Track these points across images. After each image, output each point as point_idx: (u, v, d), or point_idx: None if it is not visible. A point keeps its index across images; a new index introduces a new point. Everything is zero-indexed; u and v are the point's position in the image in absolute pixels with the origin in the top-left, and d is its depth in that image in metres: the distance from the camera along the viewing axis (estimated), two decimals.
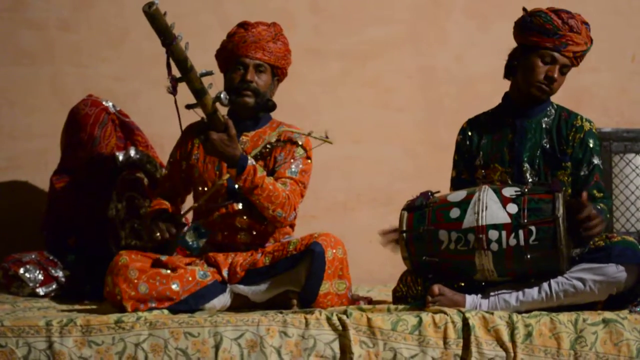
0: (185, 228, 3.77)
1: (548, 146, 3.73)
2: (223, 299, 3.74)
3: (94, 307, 3.88)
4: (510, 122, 3.79)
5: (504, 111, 3.82)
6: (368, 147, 5.34)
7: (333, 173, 5.16)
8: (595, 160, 3.71)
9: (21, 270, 4.38)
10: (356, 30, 5.37)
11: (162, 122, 4.80)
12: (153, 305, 3.59)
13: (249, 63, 3.85)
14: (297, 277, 3.68)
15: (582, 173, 3.69)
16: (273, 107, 3.90)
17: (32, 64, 5.11)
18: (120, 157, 4.50)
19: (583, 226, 3.46)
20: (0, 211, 5.04)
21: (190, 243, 3.74)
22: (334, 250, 3.65)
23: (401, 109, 5.37)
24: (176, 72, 3.48)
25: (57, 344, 3.30)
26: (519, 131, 3.77)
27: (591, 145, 3.71)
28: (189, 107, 3.56)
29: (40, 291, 4.37)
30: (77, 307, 3.91)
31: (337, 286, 3.66)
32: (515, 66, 3.76)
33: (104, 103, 4.58)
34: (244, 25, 3.91)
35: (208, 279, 3.72)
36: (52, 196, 4.59)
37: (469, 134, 3.87)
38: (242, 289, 3.73)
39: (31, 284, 4.36)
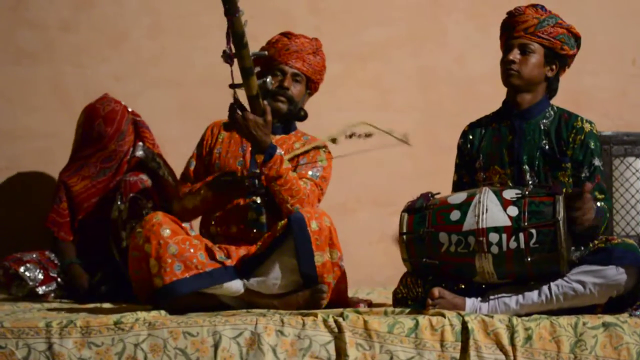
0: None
1: (547, 147, 3.74)
2: (238, 284, 3.70)
3: (93, 308, 3.89)
4: (509, 124, 3.81)
5: (504, 114, 3.84)
6: (368, 148, 5.33)
7: (333, 174, 5.15)
8: (596, 162, 3.71)
9: (21, 269, 4.39)
10: (356, 31, 5.38)
11: (161, 123, 4.82)
12: (178, 270, 3.57)
13: (288, 71, 3.95)
14: (288, 254, 3.67)
15: (583, 175, 3.70)
16: (305, 116, 4.00)
17: (32, 64, 5.12)
18: (132, 153, 4.52)
19: (575, 212, 3.46)
20: (1, 211, 5.04)
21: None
22: (319, 221, 3.66)
23: (401, 110, 5.37)
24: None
25: (56, 345, 3.30)
26: (518, 133, 3.78)
27: (592, 147, 3.72)
28: (232, 86, 3.62)
29: (40, 290, 4.38)
30: (76, 308, 3.91)
31: (331, 255, 3.68)
32: None
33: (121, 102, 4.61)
34: (287, 35, 4.01)
35: (228, 261, 3.71)
36: (62, 192, 4.58)
37: (470, 137, 3.89)
38: (250, 282, 3.72)
39: (31, 283, 4.37)
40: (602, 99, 5.45)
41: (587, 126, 3.75)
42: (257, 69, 3.63)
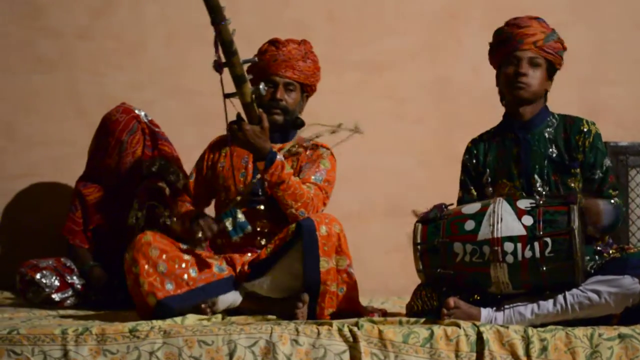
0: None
1: (555, 155, 3.73)
2: (235, 295, 3.76)
3: (109, 315, 3.90)
4: (513, 137, 3.80)
5: (506, 127, 3.83)
6: (383, 158, 5.34)
7: (348, 183, 5.15)
8: (607, 162, 3.74)
9: (38, 276, 4.40)
10: (372, 41, 5.38)
11: (177, 132, 4.83)
12: (170, 287, 3.61)
13: (279, 81, 3.93)
14: (297, 259, 3.68)
15: (596, 176, 3.70)
16: (301, 125, 3.98)
17: (50, 72, 5.14)
18: (147, 165, 4.53)
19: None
20: (18, 218, 5.07)
21: (230, 229, 3.75)
22: (329, 227, 3.67)
23: (417, 120, 5.37)
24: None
25: (72, 352, 3.31)
26: (523, 144, 3.77)
27: (600, 148, 3.73)
28: (227, 96, 3.60)
29: (56, 297, 4.39)
30: (92, 315, 3.92)
31: (337, 262, 3.67)
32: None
33: (135, 111, 4.63)
34: (275, 43, 3.98)
35: (224, 273, 3.76)
36: (77, 201, 4.60)
37: (474, 152, 3.88)
38: (252, 284, 3.75)
39: (47, 290, 4.38)
40: (619, 109, 5.43)
41: (593, 128, 3.75)
42: (250, 77, 3.61)
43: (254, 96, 3.60)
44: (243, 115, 3.71)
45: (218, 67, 3.52)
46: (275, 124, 3.89)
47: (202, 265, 3.72)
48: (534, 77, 3.73)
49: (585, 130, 3.74)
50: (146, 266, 3.60)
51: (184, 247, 3.76)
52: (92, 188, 4.59)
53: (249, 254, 3.86)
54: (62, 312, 4.09)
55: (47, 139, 5.10)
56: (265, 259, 3.76)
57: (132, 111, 4.62)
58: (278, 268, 3.73)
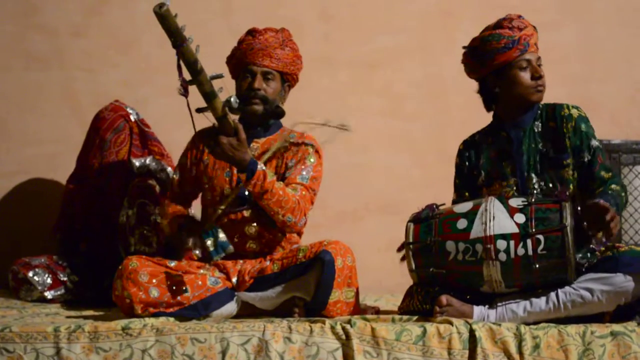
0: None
1: (545, 149, 3.72)
2: (230, 307, 3.74)
3: (101, 313, 3.90)
4: (504, 136, 3.78)
5: (497, 127, 3.81)
6: (377, 156, 5.34)
7: (341, 182, 5.16)
8: (594, 143, 3.68)
9: (30, 274, 4.40)
10: (365, 39, 5.38)
11: (171, 129, 4.83)
12: (162, 309, 3.60)
13: (257, 71, 3.86)
14: (306, 285, 3.67)
15: (585, 159, 3.67)
16: (282, 113, 3.91)
17: (43, 69, 5.14)
18: (137, 164, 4.52)
19: (605, 232, 3.43)
20: (10, 215, 5.06)
21: (212, 249, 3.71)
22: (344, 259, 3.65)
23: (410, 118, 5.37)
24: (186, 76, 3.50)
25: (64, 350, 3.31)
26: (515, 142, 3.75)
27: (584, 129, 3.68)
28: (199, 110, 3.56)
29: (49, 295, 4.39)
30: (84, 313, 3.92)
31: (346, 294, 3.66)
32: (497, 93, 3.76)
33: (127, 110, 4.61)
34: (252, 32, 3.92)
35: (219, 286, 3.73)
36: (67, 199, 4.61)
37: (467, 154, 3.86)
38: (249, 295, 3.73)
39: (40, 287, 4.38)
40: (611, 107, 5.44)
41: (574, 112, 3.71)
42: (221, 74, 3.56)
43: (226, 109, 3.54)
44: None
45: (184, 90, 3.48)
46: (255, 115, 3.84)
47: (194, 281, 3.69)
48: (545, 77, 3.71)
49: (566, 115, 3.70)
50: (138, 293, 3.58)
51: (172, 264, 3.74)
52: (80, 186, 4.59)
53: (242, 261, 3.83)
54: (54, 309, 4.09)
55: (40, 137, 5.10)
56: (273, 276, 3.73)
57: (121, 109, 4.60)
58: (284, 287, 3.71)
